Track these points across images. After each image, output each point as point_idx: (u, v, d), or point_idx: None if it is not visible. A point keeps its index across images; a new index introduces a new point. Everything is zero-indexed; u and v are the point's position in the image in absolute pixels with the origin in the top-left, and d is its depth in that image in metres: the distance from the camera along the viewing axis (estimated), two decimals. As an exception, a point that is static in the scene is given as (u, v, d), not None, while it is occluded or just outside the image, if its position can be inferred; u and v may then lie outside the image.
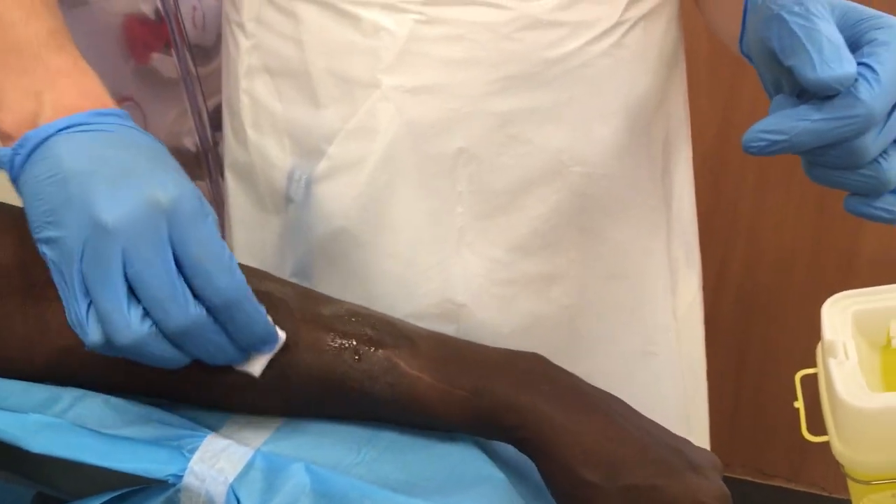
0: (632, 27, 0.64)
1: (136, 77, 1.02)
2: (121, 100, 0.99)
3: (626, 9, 0.64)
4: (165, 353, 0.45)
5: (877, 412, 0.56)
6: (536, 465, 0.51)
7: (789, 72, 0.48)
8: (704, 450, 0.54)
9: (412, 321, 0.57)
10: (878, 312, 0.64)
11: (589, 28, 0.62)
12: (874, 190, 0.50)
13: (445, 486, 0.49)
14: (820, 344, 0.63)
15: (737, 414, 1.75)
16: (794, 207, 1.53)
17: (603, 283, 0.70)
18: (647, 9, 0.65)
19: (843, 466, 0.60)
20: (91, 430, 0.48)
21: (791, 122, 0.47)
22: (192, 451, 0.48)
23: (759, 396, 1.71)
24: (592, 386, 0.54)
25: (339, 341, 0.51)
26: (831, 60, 0.45)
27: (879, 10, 0.50)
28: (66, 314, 0.44)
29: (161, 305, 0.43)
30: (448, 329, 0.64)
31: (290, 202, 0.67)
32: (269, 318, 0.48)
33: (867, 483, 0.59)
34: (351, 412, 0.53)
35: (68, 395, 0.49)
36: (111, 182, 0.44)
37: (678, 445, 0.52)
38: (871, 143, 0.47)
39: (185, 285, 0.44)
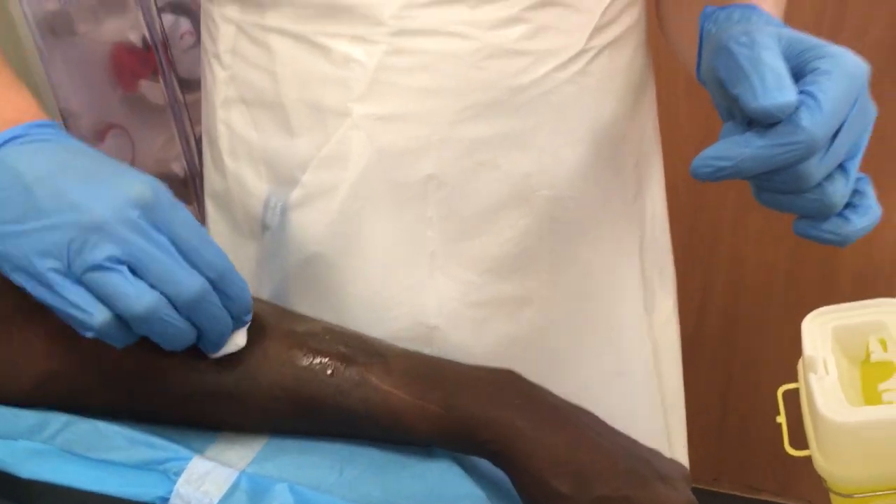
0: (597, 55, 0.65)
1: (123, 104, 1.03)
2: (109, 127, 1.00)
3: (590, 37, 0.64)
4: (178, 323, 0.46)
5: (857, 426, 0.57)
6: (510, 478, 0.51)
7: (736, 100, 0.49)
8: (674, 461, 0.55)
9: None
10: (857, 327, 0.64)
11: (554, 56, 0.63)
12: (820, 213, 0.52)
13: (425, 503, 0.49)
14: (801, 359, 0.64)
15: (724, 429, 1.75)
16: (773, 225, 1.54)
17: (575, 305, 0.71)
18: (611, 37, 0.66)
19: (825, 480, 0.60)
20: (79, 455, 0.48)
21: (737, 148, 0.49)
22: (177, 474, 0.48)
23: (746, 412, 1.71)
24: (564, 400, 0.54)
25: (312, 357, 0.52)
26: (773, 89, 0.47)
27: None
28: (58, 307, 0.45)
29: (172, 279, 0.45)
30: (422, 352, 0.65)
31: (267, 229, 0.68)
32: None
33: (850, 496, 0.60)
34: (328, 428, 0.53)
35: (57, 420, 0.50)
36: (88, 182, 0.46)
37: (648, 457, 0.53)
38: (815, 168, 0.49)
39: (182, 260, 0.46)
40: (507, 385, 0.53)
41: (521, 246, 0.66)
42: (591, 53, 0.65)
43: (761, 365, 1.65)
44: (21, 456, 0.48)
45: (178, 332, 0.46)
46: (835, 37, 0.53)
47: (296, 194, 0.65)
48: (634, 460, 0.52)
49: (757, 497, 1.79)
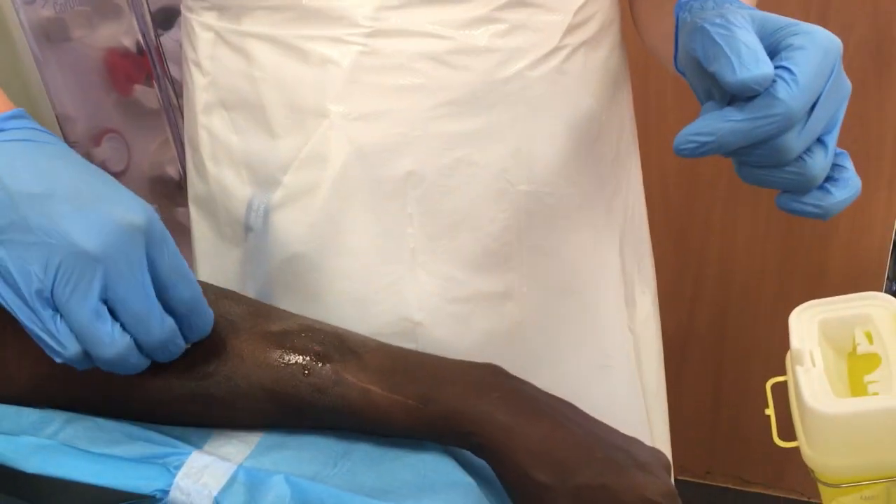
0: (572, 53, 0.66)
1: (118, 109, 1.04)
2: (104, 132, 1.01)
3: (564, 36, 0.65)
4: (136, 362, 0.47)
5: (842, 417, 0.57)
6: (492, 469, 0.52)
7: (714, 78, 0.50)
8: (654, 448, 0.55)
9: None
10: (843, 320, 0.65)
11: (527, 53, 0.64)
12: (801, 187, 0.52)
13: (418, 491, 0.50)
14: (789, 352, 0.65)
15: (715, 423, 1.76)
16: (763, 222, 1.55)
17: (556, 299, 0.72)
18: (586, 36, 0.67)
19: (813, 471, 0.61)
20: (82, 449, 0.49)
21: (717, 123, 0.49)
22: (177, 468, 0.49)
23: (738, 405, 1.72)
24: (542, 391, 0.55)
25: (287, 358, 0.53)
26: (749, 63, 0.48)
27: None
28: (31, 328, 0.45)
29: (143, 323, 0.46)
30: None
31: (250, 231, 0.69)
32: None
33: (837, 486, 0.61)
34: (316, 424, 0.54)
35: (59, 417, 0.51)
36: (79, 206, 0.45)
37: (625, 445, 0.54)
38: (794, 140, 0.49)
39: (158, 302, 0.47)
40: (486, 378, 0.54)
41: (500, 241, 0.67)
42: (565, 51, 0.66)
43: (752, 359, 1.66)
44: (25, 451, 0.49)
45: (134, 368, 0.47)
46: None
47: (278, 195, 0.66)
48: (613, 449, 0.52)
49: (749, 489, 1.80)
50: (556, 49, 0.65)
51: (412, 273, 0.66)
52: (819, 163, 0.51)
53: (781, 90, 0.48)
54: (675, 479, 0.76)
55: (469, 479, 0.52)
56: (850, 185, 0.53)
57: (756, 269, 1.60)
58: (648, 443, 0.57)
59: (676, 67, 0.57)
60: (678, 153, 0.51)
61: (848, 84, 0.53)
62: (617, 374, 0.78)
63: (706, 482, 1.82)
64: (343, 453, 0.53)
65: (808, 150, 0.51)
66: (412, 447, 0.54)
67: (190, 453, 0.50)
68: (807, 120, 0.50)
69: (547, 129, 0.67)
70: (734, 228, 1.57)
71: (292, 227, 0.66)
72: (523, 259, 0.69)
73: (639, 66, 0.82)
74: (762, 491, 1.79)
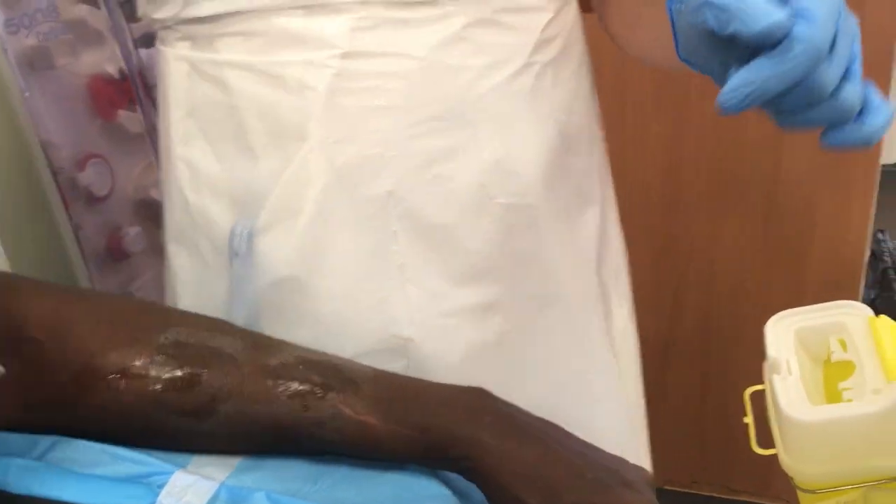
0: (542, 69, 0.68)
1: (103, 134, 1.04)
2: (88, 157, 1.01)
3: (532, 53, 0.67)
4: None
5: (817, 424, 0.58)
6: (482, 492, 0.53)
7: (732, 45, 0.51)
8: (637, 466, 0.57)
9: (362, 359, 0.59)
10: (818, 329, 0.66)
11: (498, 70, 0.65)
12: (841, 118, 0.53)
13: (397, 503, 0.51)
14: (766, 361, 0.66)
15: (702, 433, 1.77)
16: (744, 234, 1.57)
17: (538, 309, 0.73)
18: (555, 53, 0.69)
19: (792, 478, 0.62)
20: (68, 469, 0.50)
21: (752, 74, 0.50)
22: (160, 487, 0.50)
23: (723, 415, 1.73)
24: (531, 415, 0.56)
25: (286, 392, 0.54)
26: (764, 13, 0.48)
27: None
28: None
29: None
30: (398, 364, 0.65)
31: (235, 256, 0.69)
32: None
33: (814, 492, 0.62)
34: (307, 452, 0.55)
35: (45, 440, 0.52)
36: None
37: (611, 465, 0.55)
38: (826, 73, 0.50)
39: None
40: (476, 404, 0.55)
41: (482, 254, 0.68)
42: (535, 67, 0.67)
43: (736, 367, 1.67)
44: (12, 473, 0.49)
45: None
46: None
47: (261, 219, 0.66)
48: (599, 469, 0.54)
49: (735, 498, 1.81)
50: (527, 65, 0.67)
51: (402, 289, 0.67)
52: (853, 91, 0.52)
53: (802, 29, 0.49)
54: (661, 490, 0.77)
55: (447, 491, 0.53)
56: (882, 111, 0.54)
57: (737, 279, 1.61)
58: (633, 451, 0.58)
59: (680, 58, 0.58)
60: (725, 112, 0.51)
61: (855, 20, 0.54)
62: (600, 384, 0.78)
63: (692, 491, 1.82)
64: (324, 471, 0.54)
65: (840, 82, 0.52)
66: (392, 462, 0.55)
67: (173, 472, 0.51)
68: (832, 54, 0.51)
69: (520, 142, 0.68)
70: (714, 239, 1.59)
71: (277, 250, 0.67)
72: (503, 270, 0.70)
73: (616, 79, 0.83)
74: (749, 499, 1.80)
